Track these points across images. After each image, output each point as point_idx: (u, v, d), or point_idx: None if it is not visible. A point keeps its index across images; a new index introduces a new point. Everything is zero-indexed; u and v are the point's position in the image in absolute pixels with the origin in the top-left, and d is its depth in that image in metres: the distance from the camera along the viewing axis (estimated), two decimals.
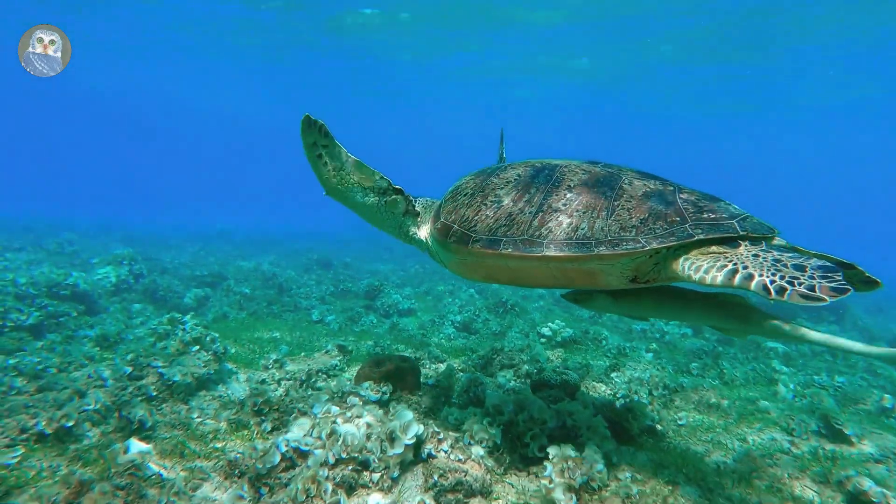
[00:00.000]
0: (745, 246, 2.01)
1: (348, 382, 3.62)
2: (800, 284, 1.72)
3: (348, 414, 2.79)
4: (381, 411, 2.65)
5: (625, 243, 2.10)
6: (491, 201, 2.47)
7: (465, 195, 2.58)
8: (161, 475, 2.36)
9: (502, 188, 2.50)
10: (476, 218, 2.43)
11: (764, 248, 1.99)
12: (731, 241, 2.05)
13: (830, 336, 2.12)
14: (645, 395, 3.87)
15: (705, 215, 2.14)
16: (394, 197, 2.65)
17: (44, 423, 2.72)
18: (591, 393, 3.93)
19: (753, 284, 1.78)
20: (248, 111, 45.68)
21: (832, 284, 1.69)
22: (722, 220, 2.10)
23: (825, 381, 5.05)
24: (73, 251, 13.01)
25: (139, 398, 3.27)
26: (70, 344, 4.67)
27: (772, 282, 1.75)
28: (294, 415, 2.98)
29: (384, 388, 3.23)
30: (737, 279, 1.83)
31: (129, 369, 3.51)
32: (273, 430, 2.99)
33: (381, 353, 5.16)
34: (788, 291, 1.70)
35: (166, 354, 3.71)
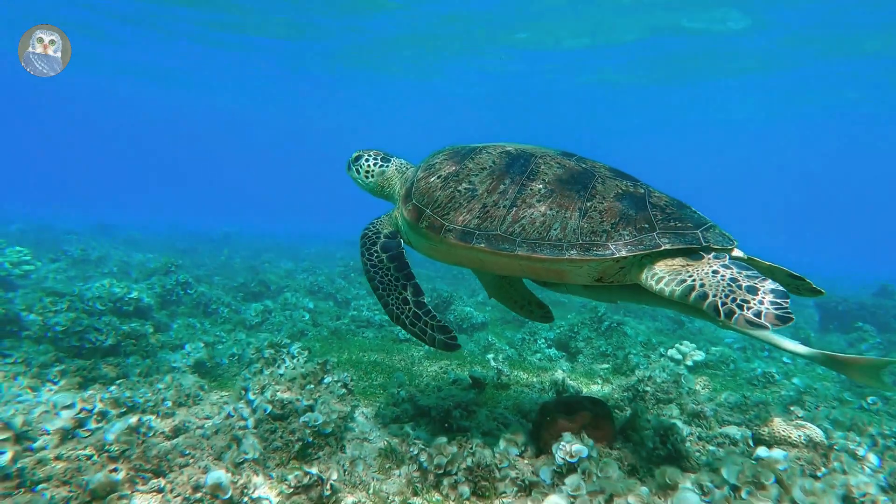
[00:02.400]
0: (708, 260, 2.16)
1: (524, 430, 3.25)
2: (748, 309, 1.88)
3: (594, 487, 2.45)
4: (643, 487, 2.30)
5: (595, 249, 2.26)
6: (465, 189, 2.56)
7: (438, 177, 2.67)
8: None
9: (477, 175, 2.59)
10: (449, 205, 2.54)
11: (726, 262, 2.12)
12: (696, 253, 2.22)
13: (773, 335, 2.52)
14: (868, 446, 3.44)
15: (672, 223, 2.28)
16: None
17: (216, 483, 2.41)
18: None
19: (706, 305, 1.98)
20: (247, 109, 45.41)
21: (777, 312, 1.85)
22: (688, 229, 2.26)
23: None
24: (98, 257, 12.85)
25: (297, 445, 2.95)
26: (162, 369, 4.39)
27: (723, 304, 1.94)
28: (506, 482, 2.60)
29: (588, 443, 2.85)
30: (692, 297, 2.02)
31: (269, 407, 3.20)
32: (473, 494, 2.64)
33: (504, 372, 4.80)
34: (736, 316, 1.89)
35: (308, 390, 3.39)
